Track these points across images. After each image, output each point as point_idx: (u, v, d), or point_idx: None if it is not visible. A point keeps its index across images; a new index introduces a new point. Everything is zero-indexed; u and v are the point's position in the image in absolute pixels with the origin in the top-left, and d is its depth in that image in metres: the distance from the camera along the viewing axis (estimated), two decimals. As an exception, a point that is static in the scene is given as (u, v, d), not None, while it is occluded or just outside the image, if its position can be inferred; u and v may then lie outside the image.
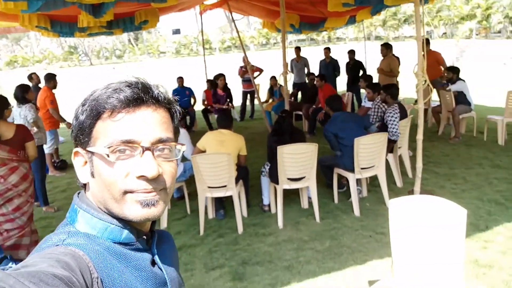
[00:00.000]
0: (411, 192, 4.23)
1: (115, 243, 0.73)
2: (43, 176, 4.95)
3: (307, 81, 9.13)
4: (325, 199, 4.48)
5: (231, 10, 8.34)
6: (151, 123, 0.72)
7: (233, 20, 8.33)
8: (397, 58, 7.75)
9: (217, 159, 3.79)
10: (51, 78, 6.04)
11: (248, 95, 10.00)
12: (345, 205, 4.33)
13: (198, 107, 9.41)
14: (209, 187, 3.94)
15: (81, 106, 0.74)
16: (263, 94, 10.08)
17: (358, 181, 4.47)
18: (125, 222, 0.74)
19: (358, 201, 4.27)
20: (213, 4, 9.23)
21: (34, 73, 7.75)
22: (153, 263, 0.79)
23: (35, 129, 4.74)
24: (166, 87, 0.79)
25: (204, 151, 4.13)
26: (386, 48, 7.38)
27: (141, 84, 0.73)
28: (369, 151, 4.10)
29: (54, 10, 6.02)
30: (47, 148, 6.69)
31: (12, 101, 4.80)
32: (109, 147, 0.70)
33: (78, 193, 0.79)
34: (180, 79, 9.13)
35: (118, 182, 0.70)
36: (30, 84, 7.21)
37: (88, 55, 41.11)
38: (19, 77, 7.91)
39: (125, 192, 0.70)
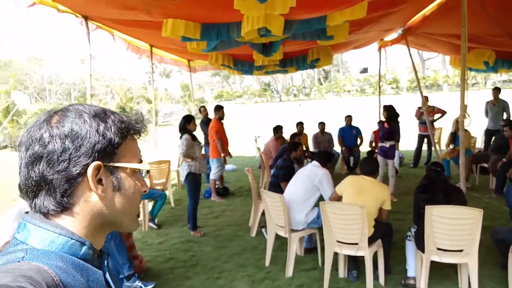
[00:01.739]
0: None
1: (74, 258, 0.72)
2: (195, 202, 5.15)
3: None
4: (495, 284, 3.37)
5: (410, 45, 7.67)
6: None
7: (411, 56, 7.61)
8: None
9: (348, 211, 3.28)
10: (218, 110, 6.52)
11: (425, 139, 8.90)
12: (524, 298, 3.16)
13: (364, 148, 8.84)
14: (338, 242, 3.44)
15: (101, 122, 0.75)
16: (445, 139, 8.82)
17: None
18: (84, 239, 0.74)
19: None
20: (392, 40, 8.70)
21: (203, 106, 8.53)
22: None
23: (188, 160, 5.00)
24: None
25: (341, 197, 3.68)
26: None
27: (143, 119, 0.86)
28: None
29: (230, 49, 6.59)
30: (212, 174, 7.23)
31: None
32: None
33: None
34: (349, 118, 8.83)
35: (141, 195, 0.82)
36: (201, 116, 8.06)
37: (279, 91, 44.62)
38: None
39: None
